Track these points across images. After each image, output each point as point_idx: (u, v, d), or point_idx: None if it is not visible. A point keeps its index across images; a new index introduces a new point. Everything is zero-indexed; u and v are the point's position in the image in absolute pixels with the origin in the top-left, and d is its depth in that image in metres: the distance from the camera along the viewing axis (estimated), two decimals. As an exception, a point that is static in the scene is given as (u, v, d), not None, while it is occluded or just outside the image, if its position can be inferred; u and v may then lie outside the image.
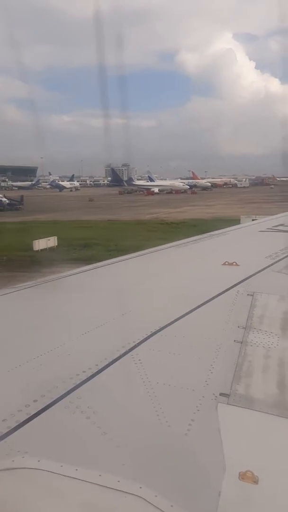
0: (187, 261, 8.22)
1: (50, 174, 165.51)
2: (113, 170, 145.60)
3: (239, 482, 2.10)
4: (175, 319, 4.27)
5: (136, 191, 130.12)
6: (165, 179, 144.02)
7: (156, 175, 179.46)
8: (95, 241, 34.07)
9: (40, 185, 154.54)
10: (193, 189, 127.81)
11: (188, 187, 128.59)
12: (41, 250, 30.71)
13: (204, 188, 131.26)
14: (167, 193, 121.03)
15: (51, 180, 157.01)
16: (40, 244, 30.95)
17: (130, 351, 3.48)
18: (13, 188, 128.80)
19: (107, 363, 3.27)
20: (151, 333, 3.87)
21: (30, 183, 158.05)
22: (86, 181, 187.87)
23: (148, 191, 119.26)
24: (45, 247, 31.22)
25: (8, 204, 78.36)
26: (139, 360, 3.34)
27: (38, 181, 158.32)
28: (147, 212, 62.23)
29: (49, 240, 31.82)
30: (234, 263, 6.75)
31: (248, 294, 5.17)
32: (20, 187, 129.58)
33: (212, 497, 1.99)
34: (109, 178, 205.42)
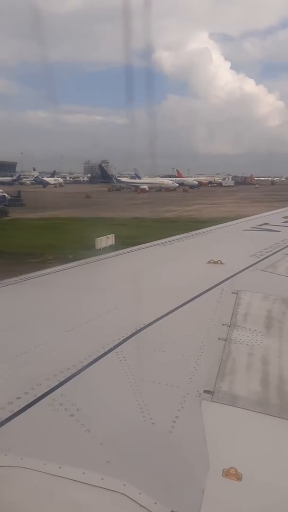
0: (172, 259, 8.19)
1: (34, 169, 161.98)
2: (101, 166, 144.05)
3: (223, 479, 2.10)
4: (160, 316, 4.26)
5: (123, 188, 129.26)
6: (145, 177, 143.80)
7: (132, 173, 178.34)
8: (147, 239, 33.72)
9: (21, 181, 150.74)
10: (184, 187, 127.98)
11: (177, 185, 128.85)
12: (102, 248, 29.84)
13: (192, 186, 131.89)
14: (156, 190, 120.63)
15: (35, 176, 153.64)
16: (102, 242, 30.05)
17: (114, 348, 3.46)
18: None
19: (92, 360, 3.24)
20: (136, 330, 3.85)
21: (10, 178, 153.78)
22: (66, 178, 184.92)
23: (140, 189, 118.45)
24: (106, 245, 30.36)
25: (10, 199, 76.00)
26: (124, 357, 3.32)
27: (19, 176, 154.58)
28: (162, 210, 61.85)
29: (108, 238, 30.97)
30: (219, 262, 6.76)
31: (232, 292, 5.18)
32: (0, 182, 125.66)
33: (196, 494, 1.99)
34: (89, 175, 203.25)
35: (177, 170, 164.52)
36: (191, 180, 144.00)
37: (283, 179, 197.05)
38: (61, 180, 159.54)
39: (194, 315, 4.55)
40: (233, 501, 2.04)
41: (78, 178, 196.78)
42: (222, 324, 4.19)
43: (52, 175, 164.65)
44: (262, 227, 11.65)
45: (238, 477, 2.12)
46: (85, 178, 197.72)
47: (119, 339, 3.64)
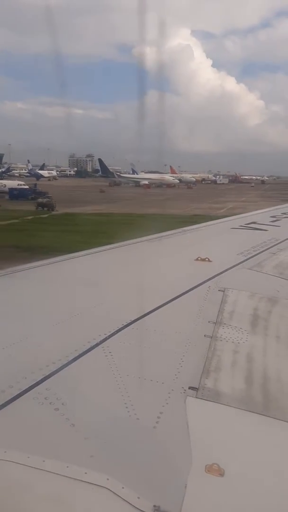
0: (160, 255, 8.24)
1: (28, 162, 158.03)
2: (101, 161, 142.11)
3: (205, 474, 2.13)
4: (146, 312, 4.28)
5: (122, 183, 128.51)
6: (141, 172, 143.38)
7: (119, 168, 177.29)
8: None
9: (10, 173, 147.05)
10: (187, 184, 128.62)
11: (178, 181, 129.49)
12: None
13: (188, 183, 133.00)
14: (156, 186, 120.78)
15: (29, 168, 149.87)
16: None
17: (101, 343, 3.47)
18: None
19: (77, 354, 3.25)
20: (122, 325, 3.87)
21: None
22: (52, 171, 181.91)
23: (146, 185, 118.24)
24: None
25: (36, 192, 74.15)
26: (110, 352, 3.34)
27: (8, 168, 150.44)
28: (203, 207, 62.31)
29: None
30: (207, 259, 6.79)
31: (219, 290, 5.21)
32: None
33: (179, 489, 2.02)
34: (75, 169, 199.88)
35: (170, 166, 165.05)
36: (189, 176, 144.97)
37: (266, 178, 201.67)
38: (54, 173, 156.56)
39: (181, 312, 4.57)
40: (215, 496, 2.07)
41: (65, 171, 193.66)
42: (208, 322, 4.19)
43: (42, 168, 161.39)
44: (250, 225, 11.64)
45: (221, 473, 2.14)
46: (72, 172, 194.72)
47: (105, 334, 3.64)
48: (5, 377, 2.84)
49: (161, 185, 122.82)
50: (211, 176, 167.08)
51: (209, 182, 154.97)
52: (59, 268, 6.67)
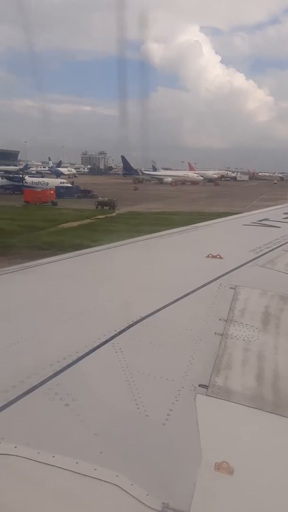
0: (171, 252, 8.24)
1: (49, 159, 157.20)
2: (124, 158, 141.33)
3: (215, 472, 2.13)
4: (157, 309, 4.29)
5: (146, 181, 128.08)
6: (161, 170, 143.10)
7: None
8: None
9: (27, 170, 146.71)
10: (214, 181, 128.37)
11: (202, 178, 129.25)
12: None
13: (210, 180, 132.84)
14: (181, 184, 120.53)
15: (50, 165, 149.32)
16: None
17: (111, 340, 3.49)
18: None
19: (88, 350, 3.27)
20: (132, 322, 3.88)
21: (17, 167, 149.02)
22: (71, 169, 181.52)
23: (173, 182, 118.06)
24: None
25: (81, 191, 73.77)
26: (120, 349, 3.35)
27: (26, 165, 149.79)
28: (259, 205, 62.39)
29: None
30: (218, 256, 6.78)
31: (230, 287, 5.20)
32: (6, 171, 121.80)
33: (188, 487, 2.02)
34: (89, 166, 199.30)
35: (188, 163, 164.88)
36: (211, 173, 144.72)
37: (279, 175, 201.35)
38: (74, 170, 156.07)
39: (191, 309, 4.54)
40: (224, 494, 2.06)
41: (79, 169, 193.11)
42: (219, 319, 4.19)
43: (58, 165, 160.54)
44: (263, 222, 11.64)
45: (230, 471, 2.14)
46: (85, 169, 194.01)
47: (115, 330, 3.65)
48: (16, 373, 2.87)
49: (184, 182, 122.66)
50: (230, 173, 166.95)
51: (228, 179, 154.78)
52: (71, 264, 6.68)
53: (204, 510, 1.94)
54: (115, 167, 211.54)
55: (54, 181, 79.90)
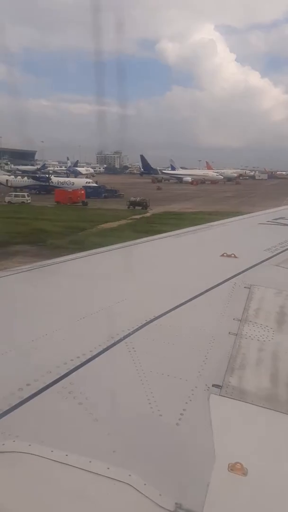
0: (185, 251, 8.15)
1: (68, 159, 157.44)
2: (143, 157, 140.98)
3: (228, 473, 2.11)
4: (171, 308, 4.25)
5: (166, 180, 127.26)
6: (179, 169, 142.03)
7: (137, 164, 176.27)
8: None
9: (45, 170, 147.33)
10: (236, 180, 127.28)
11: (222, 177, 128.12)
12: None
13: (229, 179, 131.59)
14: (201, 183, 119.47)
15: (68, 165, 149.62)
16: None
17: (124, 339, 3.47)
18: (17, 171, 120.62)
19: (101, 349, 3.25)
20: (146, 322, 3.84)
21: (35, 167, 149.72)
22: (89, 168, 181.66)
23: (194, 181, 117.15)
24: None
25: (108, 190, 73.23)
26: (133, 348, 3.33)
27: (44, 165, 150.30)
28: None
29: None
30: (233, 255, 6.69)
31: (245, 287, 5.14)
32: (24, 171, 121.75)
33: (201, 487, 2.00)
34: (105, 165, 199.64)
35: (206, 162, 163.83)
36: (230, 172, 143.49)
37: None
38: (91, 170, 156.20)
39: (205, 308, 4.50)
40: (237, 496, 2.04)
41: (95, 168, 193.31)
42: (233, 319, 4.13)
43: (75, 164, 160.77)
44: (278, 221, 11.45)
45: (244, 472, 2.10)
46: (101, 169, 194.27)
47: (129, 329, 3.63)
48: (31, 371, 2.87)
49: (204, 181, 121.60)
50: (247, 172, 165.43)
51: (247, 178, 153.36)
52: (85, 263, 6.69)
53: (217, 510, 1.92)
54: (130, 166, 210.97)
55: (80, 181, 79.55)
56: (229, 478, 2.08)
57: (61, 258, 6.77)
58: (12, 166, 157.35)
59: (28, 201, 61.26)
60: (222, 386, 2.90)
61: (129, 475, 1.99)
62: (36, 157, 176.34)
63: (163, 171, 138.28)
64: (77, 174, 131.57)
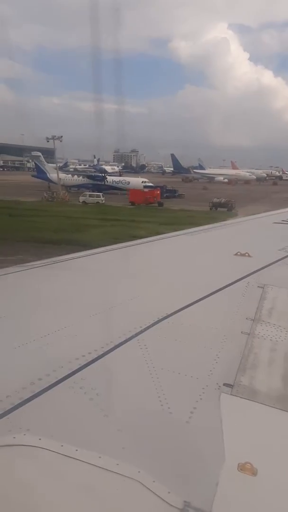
0: (199, 249, 8.08)
1: (94, 157, 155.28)
2: (173, 157, 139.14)
3: (238, 473, 2.08)
4: (183, 307, 4.23)
5: (196, 179, 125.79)
6: (209, 168, 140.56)
7: (161, 163, 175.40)
8: None
9: (67, 168, 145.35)
10: (273, 179, 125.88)
11: (255, 177, 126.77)
12: None
13: (259, 179, 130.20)
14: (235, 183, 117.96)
15: (95, 163, 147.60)
16: None
17: (136, 336, 3.46)
18: (70, 170, 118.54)
19: (113, 346, 3.25)
20: (158, 319, 3.84)
21: (53, 165, 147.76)
22: (114, 167, 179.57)
23: (230, 181, 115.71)
24: None
25: (168, 191, 71.16)
26: (145, 345, 3.32)
27: (66, 163, 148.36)
28: None
29: None
30: (246, 254, 6.63)
31: (258, 286, 5.09)
32: (75, 170, 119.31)
33: (210, 486, 1.98)
34: (123, 164, 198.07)
35: (231, 161, 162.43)
36: (259, 172, 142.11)
37: None
38: (117, 168, 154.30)
39: (218, 307, 4.48)
40: (246, 495, 2.02)
41: (113, 167, 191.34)
42: (246, 318, 4.10)
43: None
44: None
45: (253, 472, 2.08)
46: (119, 167, 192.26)
47: (141, 327, 3.62)
48: (43, 365, 2.88)
49: (236, 181, 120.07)
50: (274, 172, 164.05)
51: (273, 178, 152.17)
52: (99, 259, 6.68)
53: (226, 510, 1.92)
54: (147, 164, 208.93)
55: (136, 180, 77.35)
56: (239, 477, 2.06)
57: (76, 254, 6.68)
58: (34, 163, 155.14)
59: (103, 201, 59.35)
60: (234, 385, 2.87)
61: (138, 471, 1.98)
62: (63, 154, 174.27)
63: (195, 170, 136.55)
64: (103, 172, 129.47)
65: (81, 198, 59.39)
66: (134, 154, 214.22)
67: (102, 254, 6.89)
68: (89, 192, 65.94)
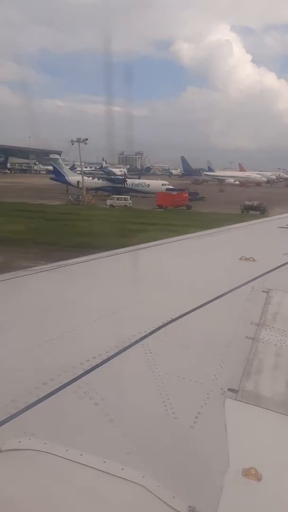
0: (203, 254, 8.04)
1: (103, 159, 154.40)
2: (184, 159, 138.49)
3: (242, 478, 2.08)
4: (188, 311, 4.21)
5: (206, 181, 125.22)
6: (217, 170, 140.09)
7: (166, 166, 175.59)
8: None
9: (75, 170, 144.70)
10: (286, 182, 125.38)
11: (266, 179, 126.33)
12: None
13: (268, 181, 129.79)
14: (243, 185, 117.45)
15: (104, 165, 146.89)
16: None
17: (140, 341, 3.44)
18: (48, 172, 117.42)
19: (117, 351, 3.23)
20: (162, 324, 3.82)
21: (82, 169, 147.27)
22: (122, 168, 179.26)
23: (242, 183, 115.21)
24: None
25: (189, 193, 70.37)
26: (149, 350, 3.30)
27: (73, 166, 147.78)
28: None
29: None
30: (251, 259, 6.57)
31: (263, 291, 5.06)
32: (90, 173, 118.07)
33: (215, 491, 1.98)
34: (128, 166, 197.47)
35: (239, 164, 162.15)
36: (269, 174, 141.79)
37: None
38: (125, 170, 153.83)
39: (223, 312, 4.46)
40: (251, 501, 2.02)
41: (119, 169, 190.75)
42: (251, 323, 4.08)
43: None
44: None
45: (258, 478, 2.08)
46: (125, 170, 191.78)
47: (145, 331, 3.60)
48: (47, 370, 2.87)
49: (248, 183, 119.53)
50: (282, 174, 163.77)
51: (282, 180, 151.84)
52: (104, 263, 6.67)
53: None
54: (152, 167, 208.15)
55: (156, 183, 76.55)
56: (243, 483, 2.05)
57: (81, 258, 6.67)
58: (41, 166, 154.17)
59: (130, 205, 58.57)
60: (238, 390, 2.86)
61: (143, 476, 1.98)
62: (69, 157, 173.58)
63: (205, 172, 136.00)
64: (111, 175, 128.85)
65: (109, 202, 58.71)
66: (138, 156, 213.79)
67: (106, 258, 6.90)
68: (110, 194, 65.26)
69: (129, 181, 77.52)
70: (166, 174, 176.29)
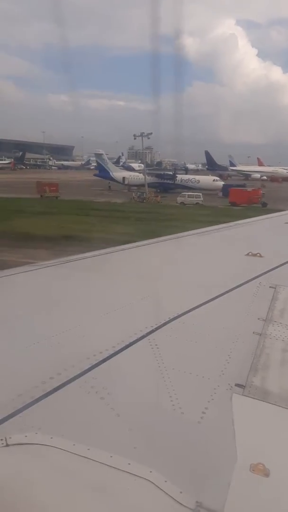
0: (210, 249, 8.06)
1: (122, 154, 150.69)
2: (208, 154, 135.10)
3: (250, 473, 2.08)
4: (194, 307, 4.19)
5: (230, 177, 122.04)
6: (239, 165, 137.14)
7: (175, 160, 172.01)
8: None
9: (89, 166, 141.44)
10: None
11: None
12: None
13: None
14: (270, 180, 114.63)
15: (123, 161, 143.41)
16: None
17: (147, 335, 3.43)
18: (61, 167, 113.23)
19: (124, 345, 3.23)
20: (169, 319, 3.81)
21: (79, 163, 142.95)
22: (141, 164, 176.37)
23: (273, 178, 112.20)
24: None
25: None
26: (156, 345, 3.29)
27: (88, 161, 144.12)
28: None
29: None
30: (258, 254, 6.57)
31: (270, 287, 5.02)
32: (68, 167, 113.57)
33: (222, 486, 1.98)
34: (139, 161, 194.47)
35: (257, 158, 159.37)
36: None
37: None
38: (143, 166, 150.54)
39: (230, 307, 4.44)
40: (259, 496, 2.01)
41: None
42: (258, 318, 4.05)
43: (118, 160, 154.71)
44: None
45: (266, 473, 2.08)
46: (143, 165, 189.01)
47: (152, 326, 3.59)
48: (54, 364, 2.87)
49: (281, 179, 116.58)
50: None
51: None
52: (109, 259, 6.60)
53: (238, 511, 1.91)
54: (163, 162, 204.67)
55: (207, 179, 73.18)
56: (251, 478, 2.05)
57: (86, 254, 6.64)
58: (56, 161, 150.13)
59: (202, 202, 55.18)
60: (245, 386, 2.85)
61: (150, 471, 1.98)
62: (78, 151, 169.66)
63: (231, 168, 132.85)
64: (130, 170, 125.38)
65: (179, 199, 55.57)
66: (148, 151, 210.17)
67: (112, 254, 6.88)
68: (158, 191, 61.81)
69: (178, 177, 74.05)
70: (183, 169, 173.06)
